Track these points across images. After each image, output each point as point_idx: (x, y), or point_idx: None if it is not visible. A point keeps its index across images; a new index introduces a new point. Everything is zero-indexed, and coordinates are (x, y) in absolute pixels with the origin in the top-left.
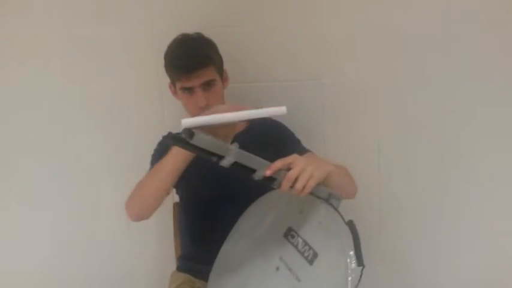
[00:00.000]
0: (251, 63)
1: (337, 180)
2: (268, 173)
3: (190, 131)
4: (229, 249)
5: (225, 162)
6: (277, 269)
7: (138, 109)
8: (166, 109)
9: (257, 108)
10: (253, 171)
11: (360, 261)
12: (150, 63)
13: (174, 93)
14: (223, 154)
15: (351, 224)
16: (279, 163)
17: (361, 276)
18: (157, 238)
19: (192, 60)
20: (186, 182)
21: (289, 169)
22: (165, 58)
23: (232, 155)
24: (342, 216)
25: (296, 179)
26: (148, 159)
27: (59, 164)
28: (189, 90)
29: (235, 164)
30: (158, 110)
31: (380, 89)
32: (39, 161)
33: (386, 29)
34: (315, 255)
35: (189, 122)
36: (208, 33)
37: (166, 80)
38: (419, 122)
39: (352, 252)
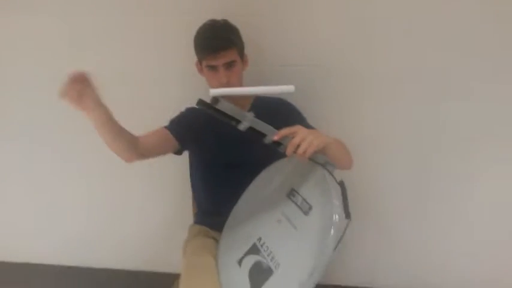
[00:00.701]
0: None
1: (335, 152)
2: (276, 138)
3: (216, 98)
4: (241, 207)
5: (242, 126)
6: (279, 221)
7: (165, 86)
8: (188, 87)
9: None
10: (264, 135)
11: (347, 215)
12: (177, 49)
13: (200, 70)
14: (240, 119)
15: (341, 184)
16: (285, 131)
17: (346, 227)
18: (176, 198)
19: (218, 42)
20: (204, 148)
21: (293, 137)
22: (194, 39)
23: (248, 120)
24: (334, 178)
25: (298, 145)
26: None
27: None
28: (213, 68)
29: (250, 129)
30: (181, 88)
31: (377, 72)
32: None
33: (380, 19)
34: (310, 207)
35: (215, 91)
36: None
37: (189, 63)
38: (412, 102)
39: (338, 203)
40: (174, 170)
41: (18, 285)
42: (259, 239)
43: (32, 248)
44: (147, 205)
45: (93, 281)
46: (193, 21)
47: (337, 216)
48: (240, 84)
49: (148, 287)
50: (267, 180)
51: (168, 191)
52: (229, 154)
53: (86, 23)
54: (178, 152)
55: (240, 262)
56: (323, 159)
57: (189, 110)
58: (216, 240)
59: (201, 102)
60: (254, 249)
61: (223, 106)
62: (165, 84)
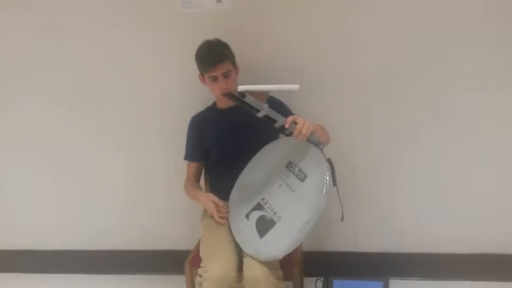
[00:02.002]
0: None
1: (320, 133)
2: (286, 125)
3: (243, 93)
4: (245, 175)
5: (260, 114)
6: (280, 186)
7: (177, 93)
8: (196, 94)
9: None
10: (275, 121)
11: (334, 183)
12: (186, 63)
13: (203, 81)
14: (259, 109)
15: (329, 160)
16: (290, 118)
17: (337, 192)
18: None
19: (215, 57)
20: (209, 146)
21: (296, 123)
22: (196, 57)
23: (264, 110)
24: (324, 154)
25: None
26: (183, 128)
27: (123, 131)
28: (214, 78)
29: (265, 116)
30: (191, 95)
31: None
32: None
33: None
34: (305, 176)
35: (242, 88)
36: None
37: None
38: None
39: (328, 172)
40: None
41: (59, 269)
42: (263, 199)
43: (68, 237)
44: (167, 193)
45: (123, 261)
46: (189, 39)
47: (327, 179)
48: (236, 88)
49: (167, 263)
50: (267, 155)
51: (183, 180)
52: (226, 147)
53: (93, 39)
54: None
55: (247, 216)
56: (316, 140)
57: (191, 125)
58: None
59: (231, 95)
60: (259, 206)
61: (248, 99)
62: (168, 92)
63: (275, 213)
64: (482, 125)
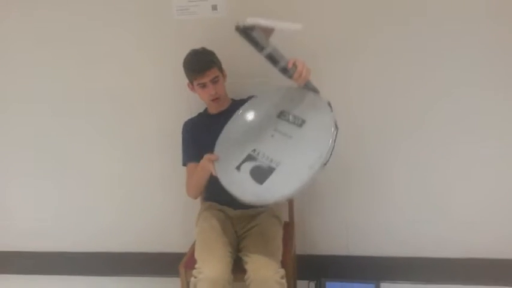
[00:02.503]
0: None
1: None
2: (289, 65)
3: (252, 26)
4: (230, 129)
5: (264, 52)
6: (272, 136)
7: (174, 98)
8: (192, 99)
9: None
10: (278, 62)
11: (335, 126)
12: (183, 69)
13: (192, 89)
14: (265, 46)
15: (329, 103)
16: (293, 59)
17: (336, 136)
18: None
19: (202, 64)
20: (204, 146)
21: (297, 66)
22: (184, 66)
23: (270, 47)
24: (322, 98)
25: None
26: (178, 132)
27: (121, 136)
28: (203, 85)
29: (269, 55)
30: (187, 100)
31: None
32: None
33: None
34: (303, 121)
35: (252, 19)
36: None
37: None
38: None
39: (333, 115)
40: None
41: (55, 271)
42: (254, 150)
43: (64, 239)
44: (162, 196)
45: (119, 263)
46: (186, 46)
47: (334, 116)
48: (225, 93)
49: (162, 265)
50: (254, 108)
51: (178, 184)
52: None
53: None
54: None
55: (238, 168)
56: (312, 85)
57: (184, 129)
58: (223, 212)
59: (239, 27)
60: (250, 158)
61: (256, 33)
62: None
63: (272, 160)
64: (476, 129)
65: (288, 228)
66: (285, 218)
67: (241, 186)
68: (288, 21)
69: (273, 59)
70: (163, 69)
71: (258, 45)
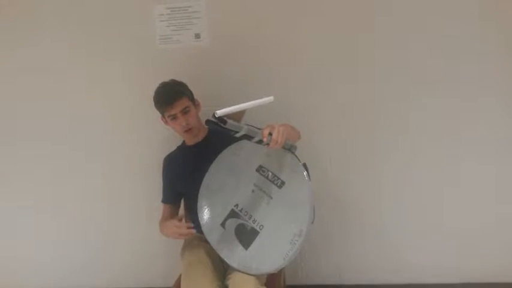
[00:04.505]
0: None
1: (290, 134)
2: (264, 138)
3: (223, 119)
4: (210, 179)
5: (238, 135)
6: (253, 191)
7: (158, 128)
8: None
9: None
10: (253, 137)
11: (312, 199)
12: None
13: (165, 122)
14: (238, 131)
15: (304, 165)
16: (266, 130)
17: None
18: None
19: (171, 95)
20: (181, 185)
21: (271, 133)
22: (154, 100)
23: (243, 130)
24: (299, 159)
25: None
26: (160, 163)
27: (103, 166)
28: (174, 116)
29: (244, 135)
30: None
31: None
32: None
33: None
34: (283, 183)
35: (221, 112)
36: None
37: None
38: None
39: (310, 184)
40: None
41: None
42: (236, 205)
43: (44, 275)
44: (145, 230)
45: None
46: (170, 74)
47: (310, 190)
48: (199, 124)
49: None
50: (232, 158)
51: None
52: (195, 183)
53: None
54: None
55: (223, 225)
56: (289, 145)
57: (163, 166)
58: (208, 243)
59: (212, 122)
60: (233, 214)
61: (229, 124)
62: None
63: (254, 220)
64: (472, 155)
65: None
66: None
67: (228, 247)
68: (260, 98)
69: (248, 137)
70: (147, 98)
71: (232, 131)
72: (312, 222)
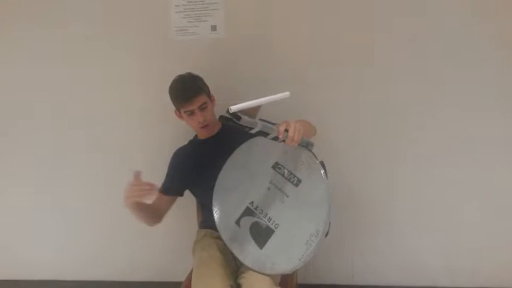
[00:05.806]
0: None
1: (306, 130)
2: (280, 135)
3: (238, 115)
4: (224, 177)
5: (253, 131)
6: (269, 188)
7: (172, 121)
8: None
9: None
10: (268, 134)
11: (329, 199)
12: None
13: (180, 116)
14: (253, 127)
15: (322, 163)
16: (282, 127)
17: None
18: (184, 216)
19: (190, 91)
20: (192, 178)
21: (287, 130)
22: (170, 94)
23: (258, 126)
24: (316, 157)
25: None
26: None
27: (116, 157)
28: (191, 112)
29: (259, 132)
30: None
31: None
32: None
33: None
34: (299, 180)
35: (235, 107)
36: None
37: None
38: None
39: (327, 182)
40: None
41: None
42: (252, 203)
43: (53, 266)
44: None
45: None
46: (185, 67)
47: (328, 188)
48: (214, 118)
49: None
50: (248, 155)
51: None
52: (208, 177)
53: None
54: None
55: (238, 223)
56: (305, 142)
57: (173, 157)
58: (220, 239)
59: (225, 118)
60: (249, 212)
61: (243, 120)
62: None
63: (270, 219)
64: (482, 156)
65: None
66: None
67: (242, 245)
68: (275, 93)
69: (263, 133)
70: (164, 90)
71: (246, 128)
72: (326, 236)
